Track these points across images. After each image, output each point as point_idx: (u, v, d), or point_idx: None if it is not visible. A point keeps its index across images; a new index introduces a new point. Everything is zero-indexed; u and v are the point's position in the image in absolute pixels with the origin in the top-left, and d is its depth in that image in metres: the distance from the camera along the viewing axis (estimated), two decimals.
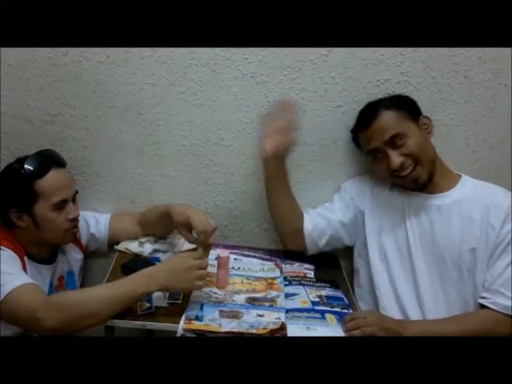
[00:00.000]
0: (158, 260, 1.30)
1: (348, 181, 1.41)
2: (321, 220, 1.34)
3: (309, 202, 1.46)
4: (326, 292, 1.26)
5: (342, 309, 1.19)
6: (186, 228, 1.20)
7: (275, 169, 1.29)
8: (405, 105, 1.26)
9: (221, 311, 1.11)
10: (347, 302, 1.23)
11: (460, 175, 1.30)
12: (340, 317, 1.14)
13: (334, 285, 1.30)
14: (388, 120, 1.22)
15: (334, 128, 1.40)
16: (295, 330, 1.07)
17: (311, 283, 1.29)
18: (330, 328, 1.10)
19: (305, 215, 1.35)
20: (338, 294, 1.26)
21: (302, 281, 1.30)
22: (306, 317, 1.13)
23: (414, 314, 1.24)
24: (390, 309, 1.26)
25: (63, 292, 1.28)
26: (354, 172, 1.45)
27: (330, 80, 1.36)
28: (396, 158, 1.20)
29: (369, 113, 1.27)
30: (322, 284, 1.29)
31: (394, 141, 1.20)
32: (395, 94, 1.33)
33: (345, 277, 1.38)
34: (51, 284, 1.28)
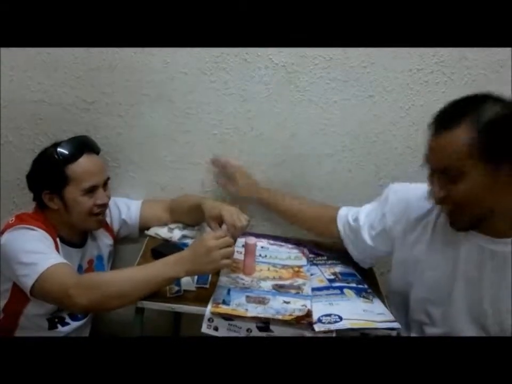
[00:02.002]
0: (186, 245, 1.32)
1: (392, 193, 1.17)
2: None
3: (338, 192, 1.47)
4: (339, 268, 1.29)
5: (357, 284, 1.22)
6: (217, 220, 1.22)
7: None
8: (500, 134, 0.89)
9: (247, 296, 1.13)
10: (360, 278, 1.26)
11: None
12: (357, 291, 1.19)
13: (344, 261, 1.31)
14: (456, 143, 0.90)
15: (364, 118, 1.39)
16: (319, 307, 1.10)
17: (323, 261, 1.33)
18: (351, 301, 1.15)
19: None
20: (351, 270, 1.29)
21: (314, 261, 1.33)
22: (326, 294, 1.16)
23: None
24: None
25: (95, 272, 1.32)
26: (385, 163, 1.43)
27: (362, 69, 1.35)
28: (437, 190, 0.96)
29: (450, 115, 0.94)
30: (334, 261, 1.32)
31: (445, 173, 0.94)
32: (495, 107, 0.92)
33: (375, 274, 1.34)
34: (80, 267, 1.33)
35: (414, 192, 1.12)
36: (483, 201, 0.94)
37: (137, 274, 1.11)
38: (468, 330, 1.06)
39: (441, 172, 0.94)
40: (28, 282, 1.10)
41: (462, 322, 1.06)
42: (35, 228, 1.19)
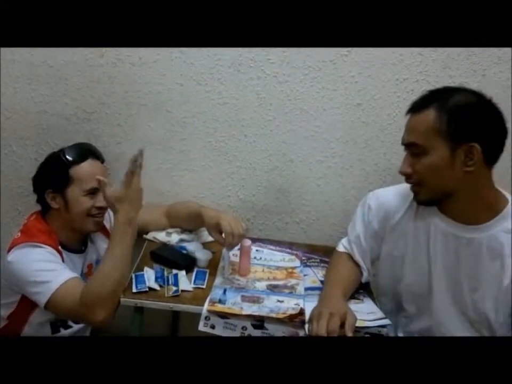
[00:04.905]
0: (184, 248, 1.37)
1: (373, 200, 1.23)
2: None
3: (329, 197, 1.52)
4: None
5: None
6: (217, 229, 1.27)
7: None
8: (460, 120, 0.99)
9: (242, 296, 1.18)
10: None
11: (507, 203, 1.07)
12: None
13: None
14: (421, 123, 1.02)
15: (353, 125, 1.45)
16: (311, 306, 1.13)
17: (316, 263, 1.38)
18: None
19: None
20: None
21: (308, 263, 1.38)
22: (318, 294, 1.20)
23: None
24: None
25: (89, 282, 1.27)
26: (374, 168, 1.49)
27: (350, 79, 1.42)
28: (404, 165, 1.07)
29: (422, 100, 1.06)
30: (327, 264, 1.35)
31: (411, 149, 1.05)
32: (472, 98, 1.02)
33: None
34: (82, 272, 1.36)
35: (392, 194, 1.21)
36: (442, 179, 1.03)
37: (112, 248, 1.19)
38: (452, 318, 1.11)
39: (409, 147, 1.06)
40: (42, 300, 1.16)
41: (446, 312, 1.12)
42: (40, 244, 1.22)
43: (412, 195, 1.15)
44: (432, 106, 1.01)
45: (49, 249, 1.23)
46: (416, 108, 1.05)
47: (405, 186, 1.17)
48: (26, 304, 1.22)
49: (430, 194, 1.07)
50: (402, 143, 1.08)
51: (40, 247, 1.22)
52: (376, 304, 1.21)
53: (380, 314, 1.15)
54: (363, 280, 1.25)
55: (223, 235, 1.25)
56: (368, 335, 1.09)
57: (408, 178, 1.08)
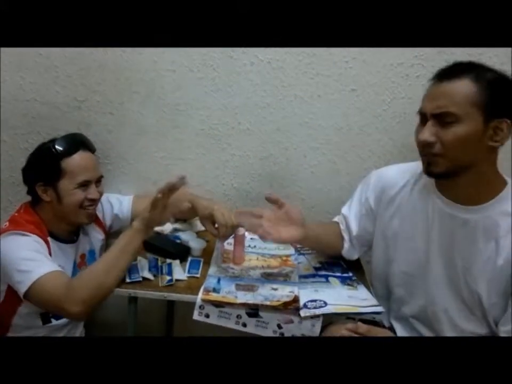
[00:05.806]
0: (178, 237, 1.36)
1: (372, 177, 1.24)
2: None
3: (324, 184, 1.51)
4: (325, 258, 1.33)
5: (342, 272, 1.27)
6: (210, 220, 1.26)
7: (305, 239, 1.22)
8: (495, 94, 0.98)
9: (237, 284, 1.17)
10: (345, 266, 1.30)
11: (506, 185, 1.05)
12: (342, 279, 1.24)
13: None
14: (459, 91, 0.98)
15: (348, 112, 1.44)
16: (305, 293, 1.14)
17: (310, 251, 1.37)
18: (336, 289, 1.19)
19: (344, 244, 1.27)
20: (336, 259, 1.33)
21: (302, 251, 1.37)
22: (312, 281, 1.21)
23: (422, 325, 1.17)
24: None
25: (78, 274, 1.28)
26: (368, 155, 1.48)
27: (345, 64, 1.40)
28: (427, 134, 0.99)
29: (452, 70, 1.02)
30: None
31: (442, 118, 0.99)
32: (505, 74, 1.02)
33: (361, 262, 1.37)
34: (74, 262, 1.36)
35: (391, 170, 1.21)
36: (467, 150, 0.99)
37: (111, 252, 1.16)
38: (446, 298, 1.11)
39: (438, 116, 0.99)
40: (22, 289, 1.14)
41: (440, 290, 1.11)
42: (27, 233, 1.21)
43: (410, 173, 1.15)
44: (468, 77, 0.98)
45: (36, 237, 1.22)
46: (449, 75, 1.00)
47: (407, 165, 1.18)
48: (13, 297, 1.20)
49: (448, 166, 1.01)
50: (425, 114, 1.01)
51: (27, 235, 1.20)
52: (371, 292, 1.21)
53: (373, 301, 1.15)
54: (344, 252, 1.27)
55: (216, 225, 1.24)
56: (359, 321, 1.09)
57: (426, 147, 1.01)
